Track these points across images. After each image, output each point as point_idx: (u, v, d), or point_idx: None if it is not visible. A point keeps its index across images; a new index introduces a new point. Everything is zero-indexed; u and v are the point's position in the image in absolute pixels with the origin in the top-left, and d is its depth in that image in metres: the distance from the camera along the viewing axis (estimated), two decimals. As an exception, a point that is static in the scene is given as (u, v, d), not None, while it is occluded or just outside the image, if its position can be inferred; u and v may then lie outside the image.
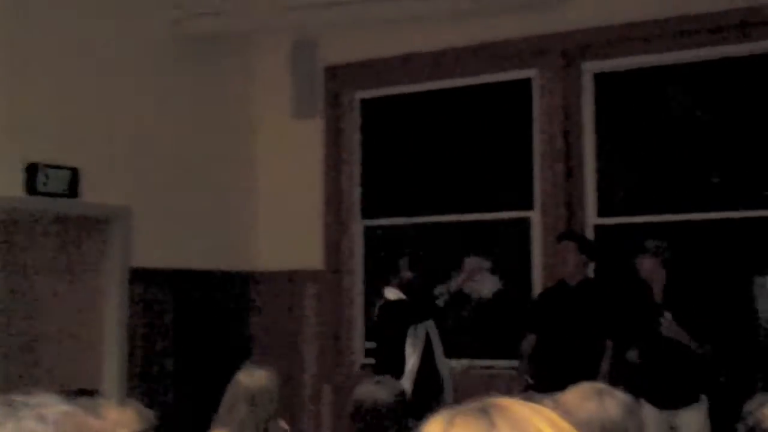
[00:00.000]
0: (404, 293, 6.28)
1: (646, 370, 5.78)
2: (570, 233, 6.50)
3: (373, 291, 7.69)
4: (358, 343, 7.73)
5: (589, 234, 6.82)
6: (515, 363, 6.52)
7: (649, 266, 5.86)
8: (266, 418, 3.86)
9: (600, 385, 2.19)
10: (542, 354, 6.16)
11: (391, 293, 6.32)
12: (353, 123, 7.88)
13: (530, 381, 6.02)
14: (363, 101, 7.90)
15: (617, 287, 6.30)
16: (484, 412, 0.96)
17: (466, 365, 7.07)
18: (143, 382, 6.76)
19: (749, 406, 2.70)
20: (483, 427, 0.94)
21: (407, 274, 6.33)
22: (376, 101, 7.87)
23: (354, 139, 7.87)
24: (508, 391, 1.61)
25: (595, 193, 6.94)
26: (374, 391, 3.41)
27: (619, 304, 6.08)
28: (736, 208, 6.51)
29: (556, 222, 6.82)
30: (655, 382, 5.71)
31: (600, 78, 7.01)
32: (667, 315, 5.64)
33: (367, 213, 7.85)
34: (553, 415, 0.99)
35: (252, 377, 3.91)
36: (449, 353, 6.43)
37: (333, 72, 7.79)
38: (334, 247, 7.72)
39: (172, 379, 7.06)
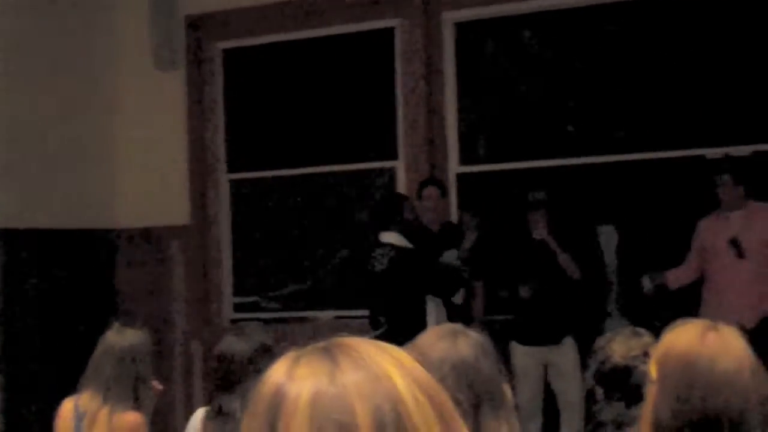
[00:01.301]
0: (407, 238, 5.82)
1: (532, 307, 6.01)
2: (432, 179, 6.59)
3: (240, 245, 7.67)
4: (228, 299, 7.68)
5: (452, 182, 6.93)
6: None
7: (541, 221, 6.10)
8: (135, 377, 3.79)
9: (457, 326, 2.23)
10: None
11: (394, 238, 5.80)
12: (216, 74, 7.75)
13: (383, 323, 6.06)
14: (225, 51, 7.76)
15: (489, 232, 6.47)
16: (328, 352, 0.96)
17: (331, 316, 7.12)
18: (4, 354, 6.57)
19: (599, 342, 2.81)
20: (326, 366, 0.93)
21: (410, 216, 5.91)
22: (239, 51, 7.74)
23: (217, 90, 7.74)
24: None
25: (457, 143, 7.04)
26: (233, 342, 3.40)
27: (491, 246, 6.25)
28: (588, 155, 6.74)
29: (419, 171, 6.89)
30: (529, 320, 5.98)
31: (461, 27, 7.08)
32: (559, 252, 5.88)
33: (233, 166, 7.75)
34: (400, 354, 0.98)
35: (120, 336, 3.83)
36: (317, 306, 6.45)
37: (194, 22, 7.63)
38: (199, 201, 7.62)
39: (38, 346, 6.88)
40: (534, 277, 6.04)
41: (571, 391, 5.94)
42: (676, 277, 6.08)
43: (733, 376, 1.98)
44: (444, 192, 6.48)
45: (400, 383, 0.92)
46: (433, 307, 5.73)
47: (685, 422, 1.97)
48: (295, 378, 0.93)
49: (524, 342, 6.05)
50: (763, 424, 1.99)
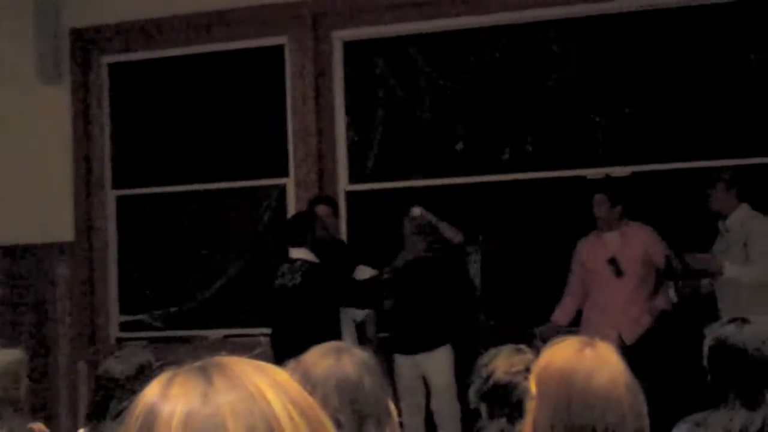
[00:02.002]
0: (318, 254, 5.84)
1: (397, 318, 6.10)
2: (323, 197, 6.61)
3: (126, 263, 7.53)
4: (114, 318, 7.53)
5: (341, 200, 6.96)
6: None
7: (420, 241, 6.21)
8: (8, 400, 3.67)
9: (341, 343, 2.24)
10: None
11: (304, 254, 5.82)
12: (102, 88, 7.61)
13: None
14: (112, 65, 7.64)
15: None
16: (203, 371, 0.95)
17: (220, 335, 7.06)
18: None
19: (482, 360, 2.86)
20: (200, 386, 0.92)
21: (322, 233, 5.94)
22: (126, 66, 7.62)
23: (103, 105, 7.61)
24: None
25: (347, 161, 7.08)
26: (112, 363, 3.35)
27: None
28: (478, 173, 6.87)
29: (309, 189, 6.90)
30: (403, 329, 6.07)
31: (350, 46, 7.14)
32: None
33: (119, 182, 7.62)
34: (278, 374, 0.97)
35: (-5, 354, 3.71)
36: (205, 325, 6.38)
37: (79, 35, 7.49)
38: (84, 217, 7.46)
39: None
40: (395, 290, 6.12)
41: (445, 400, 6.04)
42: (565, 313, 6.18)
43: (609, 390, 2.04)
44: (336, 209, 6.50)
45: (276, 403, 0.92)
46: (347, 321, 5.77)
47: None
48: (168, 397, 0.92)
49: (401, 351, 6.14)
50: None
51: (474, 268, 6.58)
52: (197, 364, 0.96)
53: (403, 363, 6.13)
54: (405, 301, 6.17)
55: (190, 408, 0.90)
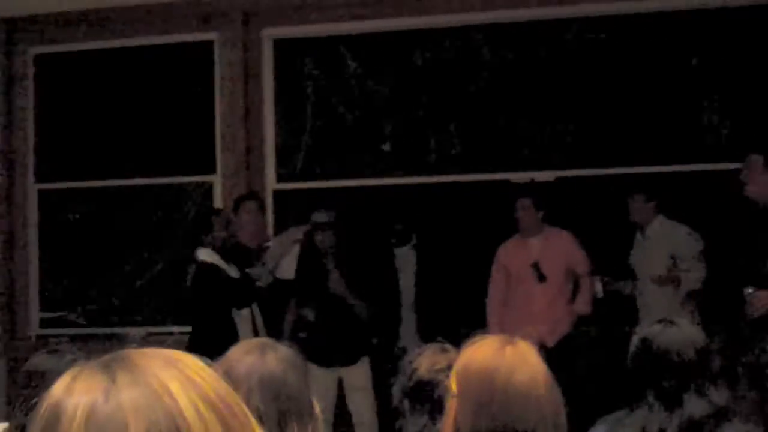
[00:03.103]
0: (220, 254, 5.78)
1: (319, 329, 6.02)
2: (250, 194, 6.53)
3: (48, 258, 7.40)
4: (34, 314, 7.40)
5: (269, 199, 6.94)
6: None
7: (327, 240, 6.07)
8: None
9: (266, 340, 2.24)
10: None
11: (206, 255, 5.77)
12: (27, 80, 7.47)
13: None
14: (38, 57, 7.50)
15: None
16: (107, 367, 0.92)
17: (143, 333, 6.98)
18: None
19: (407, 358, 2.89)
20: (103, 382, 0.90)
21: (222, 233, 5.83)
22: (53, 58, 7.50)
23: (28, 97, 7.47)
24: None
25: (275, 160, 7.07)
26: (44, 359, 3.30)
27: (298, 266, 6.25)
28: (405, 174, 6.92)
29: (236, 187, 6.87)
30: (324, 341, 5.97)
31: (280, 44, 7.12)
32: (334, 273, 5.89)
33: (42, 176, 7.48)
34: (191, 367, 0.94)
35: None
36: (128, 322, 6.29)
37: (4, 25, 7.35)
38: (6, 211, 7.32)
39: None
40: (316, 299, 6.04)
41: (364, 409, 6.00)
42: (496, 323, 6.18)
43: (529, 388, 2.07)
44: (262, 207, 6.43)
45: (182, 398, 0.89)
46: (243, 322, 5.73)
47: (484, 430, 2.06)
48: (72, 394, 0.90)
49: (319, 362, 5.81)
50: None
51: (408, 269, 6.53)
52: (103, 358, 0.94)
53: (318, 370, 6.03)
54: (324, 313, 6.05)
55: (92, 406, 0.88)
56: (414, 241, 6.52)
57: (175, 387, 0.90)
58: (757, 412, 4.95)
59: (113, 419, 0.88)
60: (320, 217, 6.03)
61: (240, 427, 0.93)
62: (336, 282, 5.93)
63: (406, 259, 6.53)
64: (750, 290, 5.04)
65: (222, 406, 0.92)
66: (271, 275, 6.01)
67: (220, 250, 5.78)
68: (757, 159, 5.33)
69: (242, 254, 5.97)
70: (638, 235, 6.11)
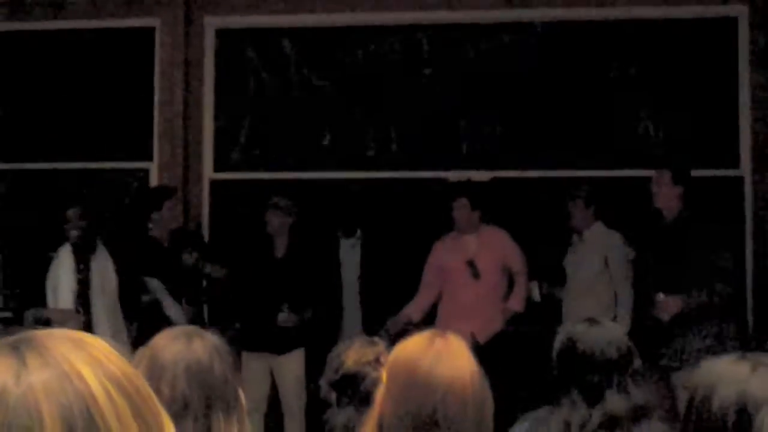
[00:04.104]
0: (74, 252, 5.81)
1: (249, 316, 6.04)
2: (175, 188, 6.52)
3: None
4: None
5: (206, 188, 6.90)
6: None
7: (276, 222, 6.08)
8: None
9: (192, 328, 2.24)
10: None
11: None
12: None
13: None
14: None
15: (235, 242, 6.45)
16: (15, 349, 0.89)
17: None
18: None
19: (335, 350, 2.91)
20: (13, 365, 0.88)
21: (75, 233, 5.83)
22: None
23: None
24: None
25: (212, 149, 7.02)
26: None
27: (236, 258, 6.24)
28: (343, 169, 6.92)
29: (173, 175, 6.81)
30: (257, 328, 6.01)
31: (222, 33, 7.08)
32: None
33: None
34: (100, 350, 0.92)
35: None
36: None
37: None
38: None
39: None
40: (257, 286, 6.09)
41: (294, 399, 6.05)
42: (418, 308, 6.24)
43: (452, 378, 2.10)
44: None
45: (92, 380, 0.88)
46: (172, 309, 5.75)
47: (406, 422, 2.08)
48: None
49: (253, 348, 6.06)
50: (476, 427, 2.12)
51: (352, 261, 6.50)
52: (9, 340, 0.91)
53: (252, 358, 6.06)
54: (263, 298, 6.09)
55: (2, 388, 0.86)
56: (359, 235, 6.52)
57: (85, 369, 0.89)
58: (669, 411, 5.08)
59: (24, 402, 0.86)
60: (279, 200, 6.11)
61: (147, 410, 0.92)
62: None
63: (350, 251, 6.52)
64: (661, 297, 5.24)
65: (131, 388, 0.91)
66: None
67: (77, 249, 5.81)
68: (665, 173, 5.50)
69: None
70: (575, 238, 6.20)
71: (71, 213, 5.84)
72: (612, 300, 5.99)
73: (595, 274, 6.02)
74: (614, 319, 5.62)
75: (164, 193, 6.34)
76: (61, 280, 5.78)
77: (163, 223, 6.15)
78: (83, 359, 0.90)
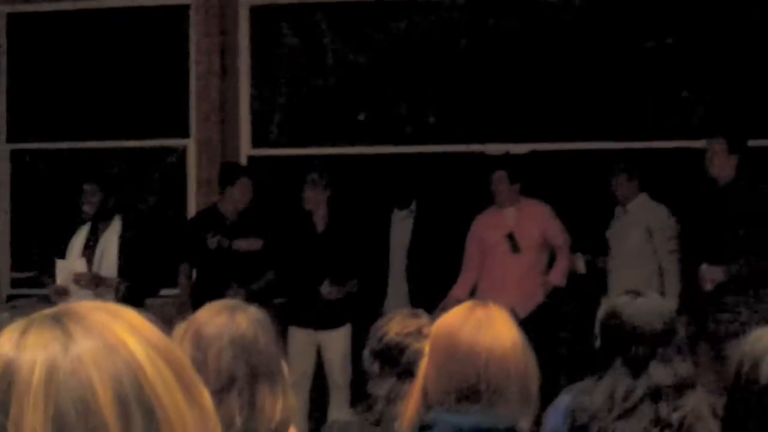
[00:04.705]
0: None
1: (295, 292, 6.06)
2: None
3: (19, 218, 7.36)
4: (4, 274, 7.34)
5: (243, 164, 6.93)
6: (170, 292, 6.48)
7: (312, 198, 6.08)
8: None
9: (235, 301, 2.25)
10: (202, 282, 6.18)
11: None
12: (-1, 40, 7.38)
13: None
14: (10, 16, 7.40)
15: (280, 217, 6.47)
16: (58, 320, 0.88)
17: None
18: None
19: (379, 322, 2.92)
20: (58, 336, 0.87)
21: (88, 208, 5.83)
22: (26, 17, 7.40)
23: (0, 56, 7.37)
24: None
25: (250, 125, 7.03)
26: (4, 319, 3.29)
27: (281, 233, 6.26)
28: (381, 143, 6.91)
29: (211, 151, 6.83)
30: (303, 304, 6.03)
31: (257, 10, 7.07)
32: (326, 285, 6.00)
33: (14, 135, 7.40)
34: (135, 319, 0.92)
35: None
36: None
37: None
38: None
39: None
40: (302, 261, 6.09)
41: (340, 373, 6.07)
42: (464, 287, 6.18)
43: (493, 346, 2.10)
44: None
45: (138, 350, 0.88)
46: None
47: (449, 391, 2.08)
48: (25, 350, 0.86)
49: (299, 324, 6.09)
50: (521, 396, 2.12)
51: (401, 234, 6.47)
52: (49, 312, 0.90)
53: (299, 333, 6.10)
54: (307, 273, 6.10)
55: (51, 362, 0.85)
56: (413, 207, 6.48)
57: (129, 338, 0.89)
58: (717, 383, 5.05)
59: (75, 375, 0.85)
60: (314, 176, 6.08)
61: (189, 379, 0.91)
62: (328, 291, 6.02)
63: (401, 224, 6.49)
64: (704, 267, 5.23)
65: (172, 357, 0.91)
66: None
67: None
68: (720, 142, 5.46)
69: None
70: (618, 209, 6.15)
71: (88, 188, 5.88)
72: (657, 272, 5.96)
73: (638, 246, 5.98)
74: (661, 292, 5.61)
75: (239, 170, 6.37)
76: (70, 255, 5.85)
77: (233, 199, 6.15)
78: (125, 329, 0.90)
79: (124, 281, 5.72)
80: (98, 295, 5.56)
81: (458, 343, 2.10)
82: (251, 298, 5.81)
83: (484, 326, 2.12)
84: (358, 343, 5.82)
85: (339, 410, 5.95)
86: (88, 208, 5.86)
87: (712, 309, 5.39)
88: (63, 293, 5.63)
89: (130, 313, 0.92)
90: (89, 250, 5.84)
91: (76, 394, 0.84)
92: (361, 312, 6.01)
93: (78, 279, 5.68)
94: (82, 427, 0.84)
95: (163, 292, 6.54)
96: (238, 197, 6.16)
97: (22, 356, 0.86)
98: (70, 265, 5.78)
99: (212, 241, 6.00)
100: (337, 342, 6.09)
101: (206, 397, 0.93)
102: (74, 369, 0.85)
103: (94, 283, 5.69)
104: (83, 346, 0.86)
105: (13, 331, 0.89)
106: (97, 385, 0.85)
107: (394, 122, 6.99)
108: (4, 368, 0.86)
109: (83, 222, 5.91)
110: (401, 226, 6.46)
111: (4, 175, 7.38)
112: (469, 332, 2.10)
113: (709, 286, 5.30)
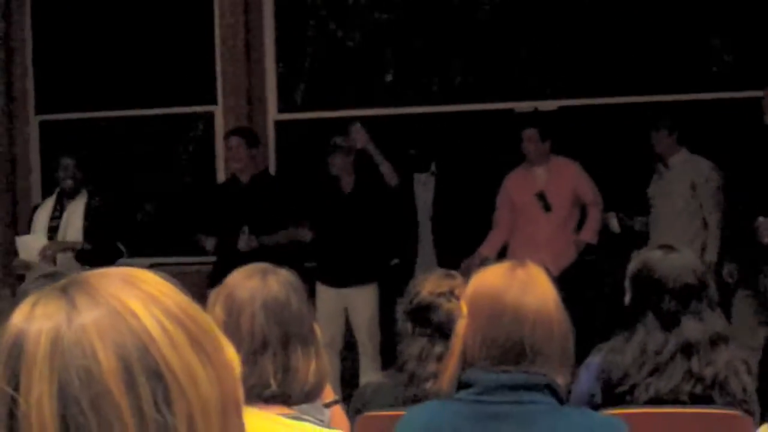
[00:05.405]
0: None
1: (324, 249, 6.07)
2: (235, 129, 6.49)
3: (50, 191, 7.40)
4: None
5: (270, 130, 6.92)
6: (203, 259, 6.49)
7: (339, 162, 6.07)
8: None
9: (266, 265, 2.25)
10: (225, 251, 6.18)
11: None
12: (23, 11, 7.38)
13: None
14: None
15: (302, 181, 6.46)
16: (65, 291, 0.90)
17: (146, 264, 7.00)
18: None
19: (413, 282, 2.92)
20: (63, 306, 0.88)
21: (69, 182, 5.97)
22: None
23: (25, 28, 7.38)
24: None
25: (276, 90, 7.02)
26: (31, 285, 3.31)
27: (302, 196, 6.26)
28: (410, 104, 6.88)
29: (238, 117, 6.83)
30: (330, 263, 6.04)
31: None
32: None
33: (42, 107, 7.43)
34: (149, 284, 0.92)
35: None
36: (135, 252, 6.32)
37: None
38: (6, 142, 7.29)
39: None
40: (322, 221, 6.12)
41: (368, 335, 6.08)
42: (492, 247, 6.18)
43: (539, 307, 2.09)
44: (251, 142, 6.34)
45: (145, 316, 0.88)
46: None
47: (492, 352, 2.07)
48: (33, 322, 0.88)
49: (327, 283, 6.10)
50: (561, 355, 2.11)
51: (424, 197, 6.47)
52: (60, 283, 0.91)
53: (326, 293, 6.12)
54: (335, 233, 6.12)
55: (55, 332, 0.86)
56: (433, 169, 6.47)
57: (136, 305, 0.89)
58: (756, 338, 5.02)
59: (79, 344, 0.86)
60: (338, 140, 6.07)
61: (207, 340, 0.91)
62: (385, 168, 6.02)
63: (423, 187, 6.48)
64: (761, 219, 5.15)
65: (185, 318, 0.90)
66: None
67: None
68: None
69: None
70: (659, 167, 6.07)
71: (65, 162, 5.95)
72: (701, 228, 5.89)
73: (684, 202, 5.91)
74: (703, 247, 5.58)
75: (229, 132, 6.36)
76: (35, 225, 5.93)
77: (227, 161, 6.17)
78: (134, 295, 0.90)
79: (88, 244, 5.83)
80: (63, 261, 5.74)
81: (504, 304, 2.09)
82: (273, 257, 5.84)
83: (529, 287, 2.11)
84: (386, 307, 5.86)
85: (370, 374, 5.97)
86: (69, 183, 5.97)
87: (763, 262, 5.32)
88: (26, 267, 5.74)
89: (146, 279, 0.93)
90: (55, 220, 5.97)
91: (80, 363, 0.85)
92: (390, 274, 6.02)
93: (44, 252, 5.77)
94: (86, 395, 0.85)
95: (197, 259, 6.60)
96: (228, 158, 6.18)
97: (30, 327, 0.87)
98: (32, 241, 5.87)
99: (243, 239, 5.98)
100: (363, 303, 6.10)
101: (226, 359, 0.93)
102: (78, 339, 0.86)
103: (61, 250, 5.82)
104: (87, 315, 0.87)
105: (27, 302, 0.90)
106: (100, 354, 0.86)
107: (422, 83, 6.95)
108: (15, 339, 0.88)
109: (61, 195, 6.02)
110: (423, 189, 6.45)
111: (35, 146, 7.42)
112: (514, 295, 2.09)
113: (766, 239, 5.23)
